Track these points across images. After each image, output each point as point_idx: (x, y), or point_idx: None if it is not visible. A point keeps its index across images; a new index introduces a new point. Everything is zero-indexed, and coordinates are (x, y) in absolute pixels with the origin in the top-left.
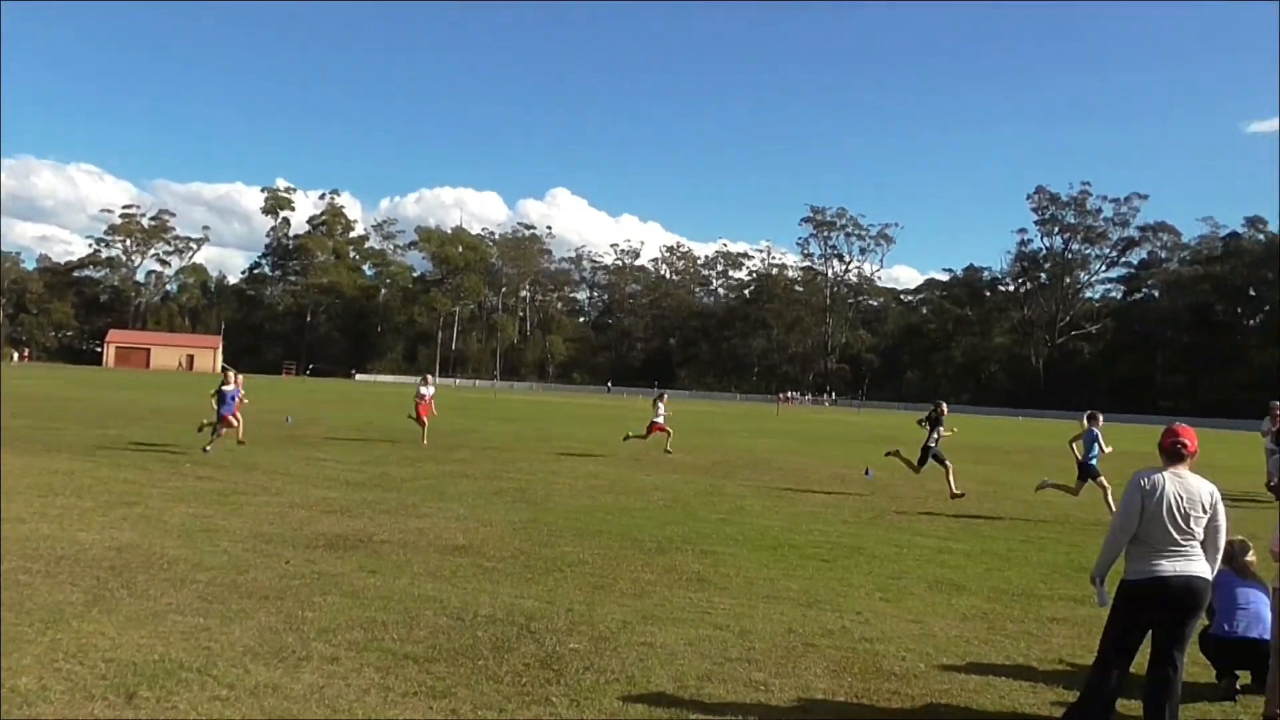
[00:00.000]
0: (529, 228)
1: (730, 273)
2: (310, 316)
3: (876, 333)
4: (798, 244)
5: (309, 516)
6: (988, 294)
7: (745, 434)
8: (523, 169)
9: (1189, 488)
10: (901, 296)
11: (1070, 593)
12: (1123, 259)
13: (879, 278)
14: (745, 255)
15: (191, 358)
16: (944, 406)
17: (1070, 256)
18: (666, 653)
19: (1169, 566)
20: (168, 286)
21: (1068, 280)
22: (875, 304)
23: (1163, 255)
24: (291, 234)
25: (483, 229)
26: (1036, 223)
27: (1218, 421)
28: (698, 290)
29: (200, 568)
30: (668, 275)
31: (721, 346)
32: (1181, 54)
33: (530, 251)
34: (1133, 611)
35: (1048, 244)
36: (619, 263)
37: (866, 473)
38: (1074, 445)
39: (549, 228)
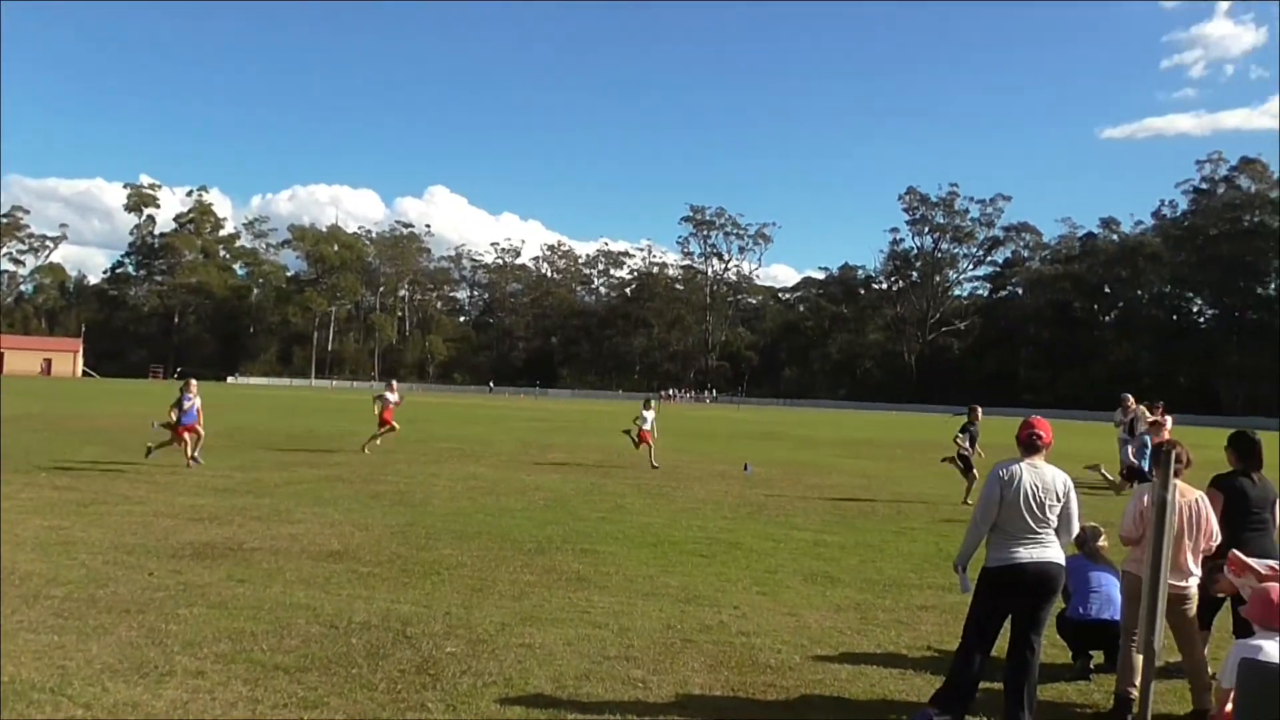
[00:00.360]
0: (407, 226)
1: (612, 271)
2: (178, 318)
3: (755, 330)
4: (678, 243)
5: (175, 525)
6: (862, 292)
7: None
8: (400, 166)
9: (1044, 478)
10: (780, 295)
11: (939, 581)
12: (989, 258)
13: (757, 276)
14: (626, 254)
15: (49, 361)
16: (979, 411)
17: (940, 255)
18: (545, 653)
19: (1026, 554)
20: (22, 287)
21: (938, 278)
22: (754, 302)
23: (1025, 254)
24: (157, 232)
25: (359, 227)
26: (908, 222)
27: (1076, 413)
28: (579, 289)
29: (55, 582)
30: (549, 274)
31: (603, 345)
32: (1043, 64)
33: (408, 250)
34: (993, 597)
35: (919, 243)
36: (499, 261)
37: (745, 468)
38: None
39: (428, 226)
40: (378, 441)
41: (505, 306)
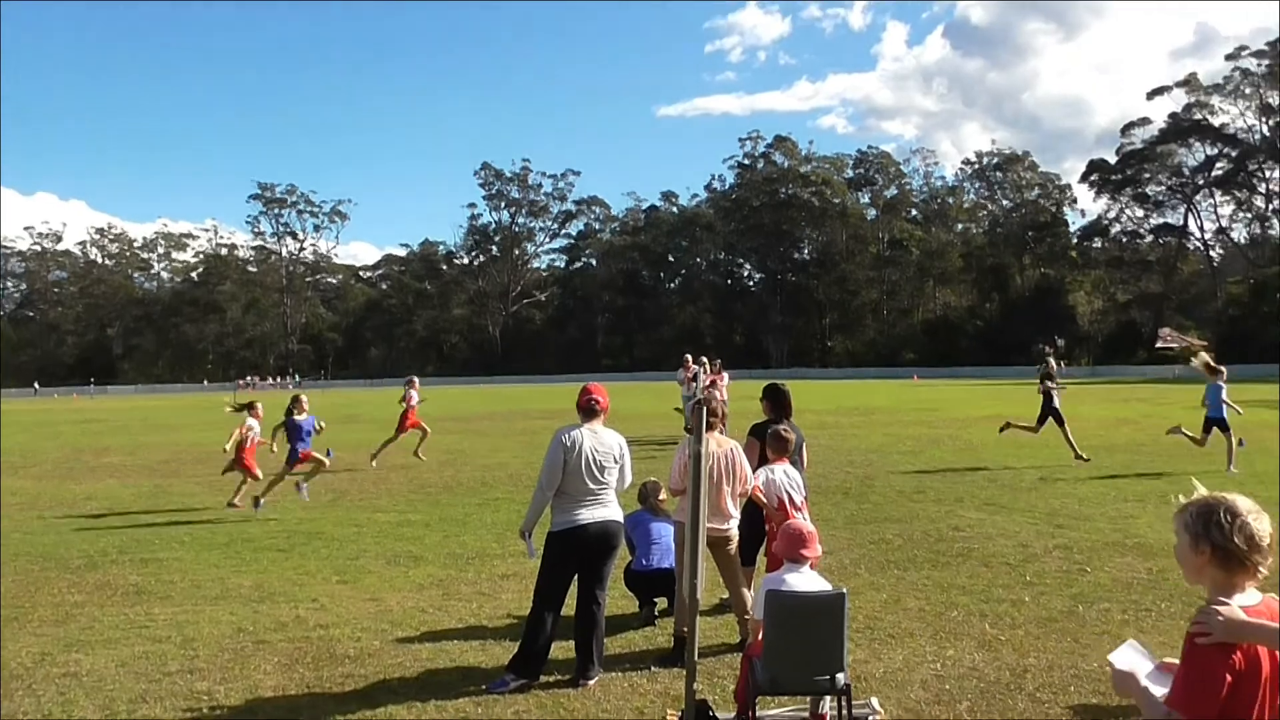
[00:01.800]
0: None
1: (174, 254)
2: None
3: (338, 311)
4: (247, 222)
5: None
6: (445, 268)
7: (198, 427)
8: None
9: (604, 441)
10: (361, 273)
11: (520, 548)
12: (563, 231)
13: (336, 255)
14: (189, 235)
15: None
16: (1051, 362)
17: (517, 229)
18: (94, 679)
19: (588, 514)
20: None
21: (517, 252)
22: (335, 282)
23: (596, 227)
24: None
25: None
26: (485, 198)
27: (652, 375)
28: (137, 275)
29: None
30: (99, 260)
31: (169, 334)
32: (601, 43)
33: None
34: (560, 559)
35: (497, 218)
36: (37, 247)
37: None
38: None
39: None
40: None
41: (48, 298)
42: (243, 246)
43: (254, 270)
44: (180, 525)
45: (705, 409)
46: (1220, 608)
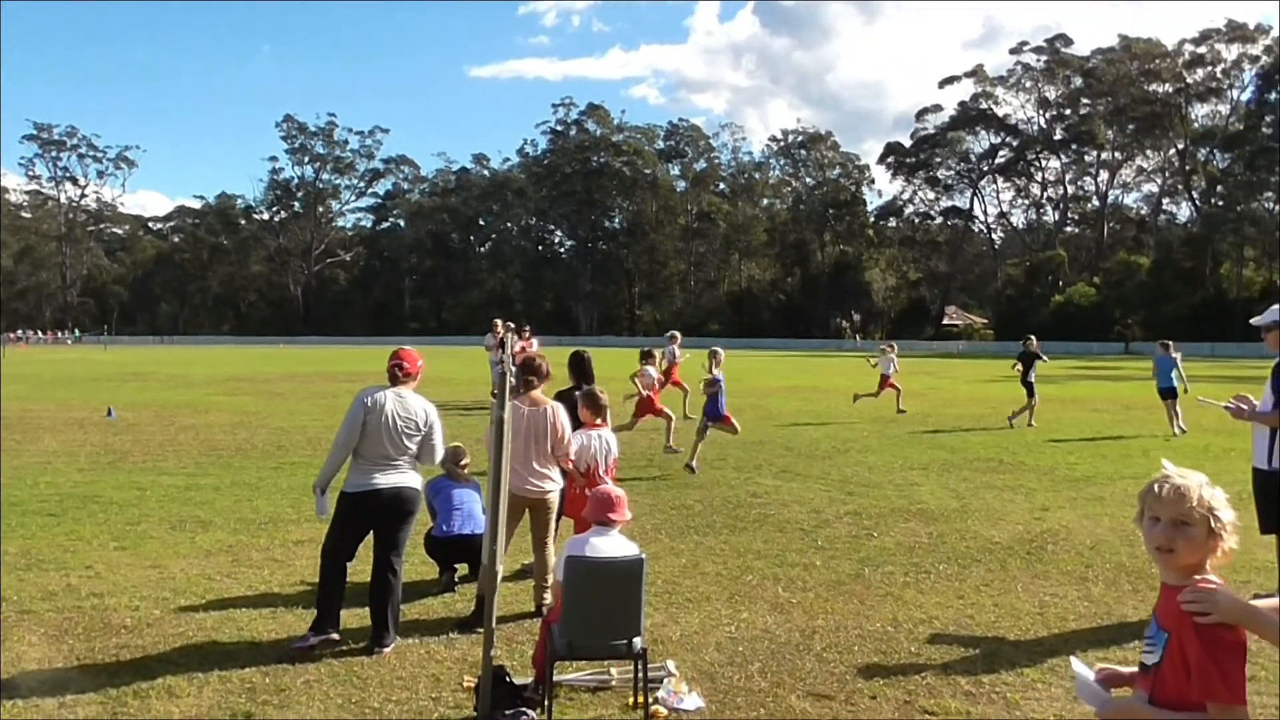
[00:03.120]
0: None
1: None
2: None
3: (123, 264)
4: (20, 164)
5: None
6: (243, 222)
7: None
8: None
9: (409, 407)
10: (150, 224)
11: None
12: (370, 190)
13: (122, 204)
14: None
15: None
16: (1034, 340)
17: (322, 186)
18: None
19: (383, 479)
20: None
21: (321, 209)
22: (120, 233)
23: (405, 187)
24: None
25: None
26: (287, 151)
27: (458, 339)
28: None
29: None
30: None
31: None
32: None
33: None
34: (351, 520)
35: (300, 173)
36: None
37: (109, 414)
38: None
39: None
40: None
41: None
42: (14, 190)
43: (28, 217)
44: None
45: (529, 368)
46: (1215, 585)
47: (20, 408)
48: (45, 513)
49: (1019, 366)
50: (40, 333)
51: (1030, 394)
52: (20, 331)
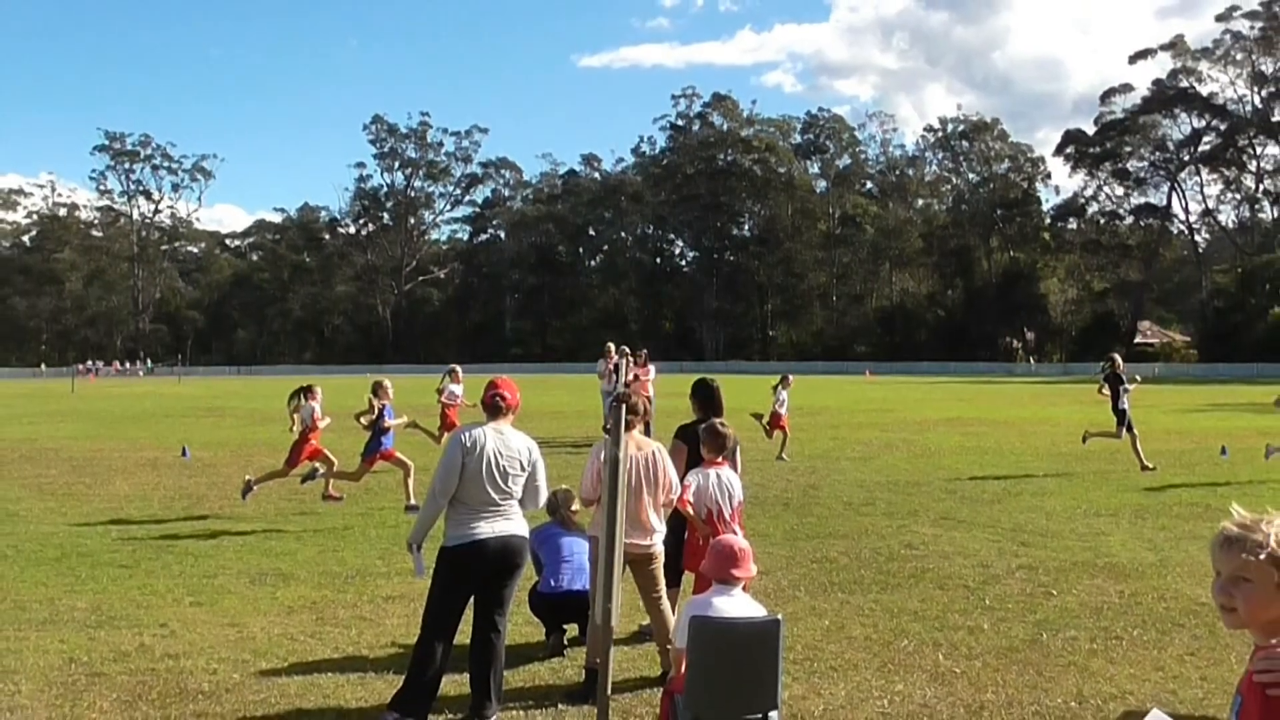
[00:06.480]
0: None
1: (2, 214)
2: None
3: (199, 285)
4: (92, 178)
5: None
6: (327, 237)
7: (27, 420)
8: None
9: (510, 444)
10: (228, 241)
11: (408, 566)
12: (467, 197)
13: (198, 220)
14: (20, 192)
15: None
16: (1118, 359)
17: (414, 194)
18: None
19: (487, 528)
20: None
21: (412, 220)
22: (196, 251)
23: (506, 194)
24: None
25: None
26: (375, 156)
27: (565, 366)
28: None
29: None
30: None
31: None
32: None
33: None
34: (453, 578)
35: (389, 180)
36: None
37: (183, 454)
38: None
39: None
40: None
41: None
42: (86, 207)
43: (99, 235)
44: (2, 536)
45: (625, 406)
46: None
47: (90, 447)
48: (117, 564)
49: (1105, 390)
50: (118, 363)
51: (1122, 424)
52: (90, 362)
